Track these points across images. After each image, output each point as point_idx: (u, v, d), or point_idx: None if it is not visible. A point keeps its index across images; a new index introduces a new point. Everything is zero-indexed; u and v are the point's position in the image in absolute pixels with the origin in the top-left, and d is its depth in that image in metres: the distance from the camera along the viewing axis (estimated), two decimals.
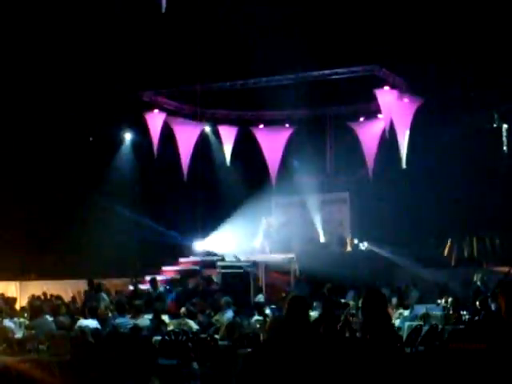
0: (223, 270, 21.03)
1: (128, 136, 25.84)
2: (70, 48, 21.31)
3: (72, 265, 24.17)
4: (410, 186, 22.81)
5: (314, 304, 14.46)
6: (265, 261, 21.20)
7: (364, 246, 23.09)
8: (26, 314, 15.69)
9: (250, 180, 25.39)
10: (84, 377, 9.63)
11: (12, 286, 23.98)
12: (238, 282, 19.78)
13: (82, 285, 22.41)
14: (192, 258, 23.52)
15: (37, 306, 12.53)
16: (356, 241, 23.22)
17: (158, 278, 20.56)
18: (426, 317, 13.82)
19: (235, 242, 23.66)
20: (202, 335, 11.20)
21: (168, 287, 19.46)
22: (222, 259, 21.86)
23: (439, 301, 16.40)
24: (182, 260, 23.33)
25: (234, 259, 21.69)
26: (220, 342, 11.01)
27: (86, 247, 23.99)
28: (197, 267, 22.36)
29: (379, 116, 22.62)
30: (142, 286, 19.99)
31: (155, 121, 22.99)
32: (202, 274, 21.85)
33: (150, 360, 10.06)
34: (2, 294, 21.08)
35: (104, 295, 16.98)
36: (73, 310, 15.29)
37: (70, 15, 20.29)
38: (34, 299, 18.92)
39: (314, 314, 12.12)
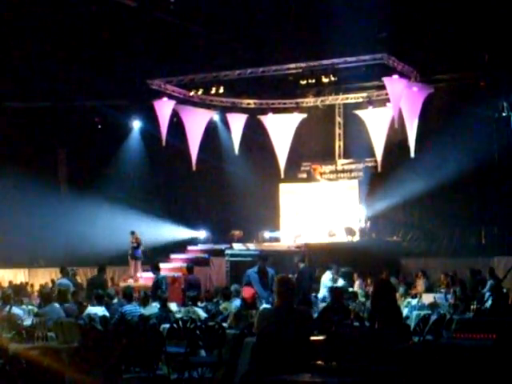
0: (232, 258, 21.07)
1: (136, 124, 25.83)
2: (79, 35, 21.33)
3: (79, 253, 24.30)
4: (418, 175, 22.73)
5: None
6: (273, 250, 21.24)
7: (372, 235, 23.05)
8: (34, 301, 15.77)
9: (258, 168, 25.33)
10: (92, 364, 9.65)
11: (21, 272, 24.16)
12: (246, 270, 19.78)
13: (90, 272, 22.53)
14: (200, 246, 23.52)
15: (46, 294, 12.53)
16: (365, 230, 23.16)
17: (167, 265, 20.61)
18: (434, 306, 13.82)
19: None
20: (210, 323, 11.20)
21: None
22: (231, 247, 21.87)
23: (447, 290, 16.38)
24: (190, 248, 23.32)
25: (242, 247, 21.72)
26: (228, 331, 11.02)
27: (94, 235, 24.07)
28: (205, 255, 22.36)
29: (388, 105, 22.51)
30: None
31: (164, 109, 22.93)
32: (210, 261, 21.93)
33: (158, 348, 10.07)
34: (10, 282, 21.21)
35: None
36: (81, 298, 15.30)
37: (82, 2, 20.34)
38: (44, 287, 19.01)
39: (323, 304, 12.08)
